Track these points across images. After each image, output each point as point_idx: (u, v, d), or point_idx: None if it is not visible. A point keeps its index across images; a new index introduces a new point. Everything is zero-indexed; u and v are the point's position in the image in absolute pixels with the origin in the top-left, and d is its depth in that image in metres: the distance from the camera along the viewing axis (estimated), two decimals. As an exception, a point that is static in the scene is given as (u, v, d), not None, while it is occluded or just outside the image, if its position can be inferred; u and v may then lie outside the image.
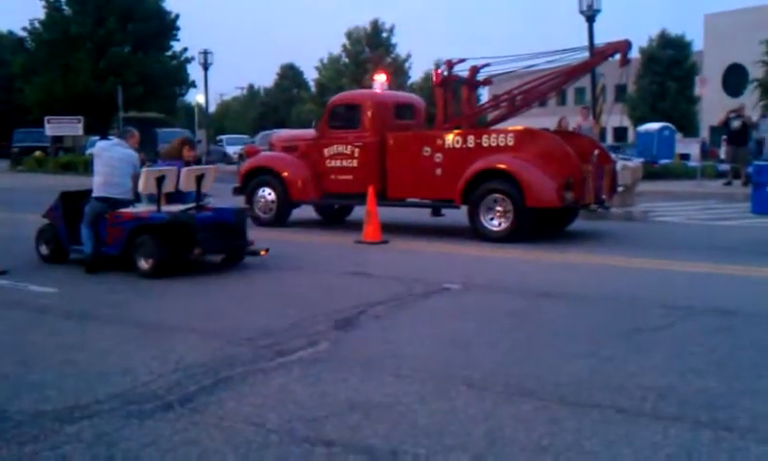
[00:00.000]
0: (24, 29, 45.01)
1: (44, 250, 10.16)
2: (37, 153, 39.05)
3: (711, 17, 57.84)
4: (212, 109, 65.25)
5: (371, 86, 15.11)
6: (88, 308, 7.43)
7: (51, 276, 9.24)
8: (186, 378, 5.10)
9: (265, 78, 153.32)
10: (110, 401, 4.67)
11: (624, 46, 12.67)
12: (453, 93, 14.21)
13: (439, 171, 12.56)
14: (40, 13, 44.36)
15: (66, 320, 7.01)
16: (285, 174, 14.03)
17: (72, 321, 6.97)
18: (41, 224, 10.30)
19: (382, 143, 13.17)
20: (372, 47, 63.07)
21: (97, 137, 36.10)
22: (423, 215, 13.92)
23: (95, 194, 9.43)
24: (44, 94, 42.78)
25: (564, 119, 19.19)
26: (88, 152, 34.88)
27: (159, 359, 5.53)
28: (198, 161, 11.18)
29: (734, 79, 54.74)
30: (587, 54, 13.89)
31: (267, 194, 14.24)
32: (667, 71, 53.49)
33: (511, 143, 12.02)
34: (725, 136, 22.03)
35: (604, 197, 12.52)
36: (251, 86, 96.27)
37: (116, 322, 6.84)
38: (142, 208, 9.43)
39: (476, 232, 12.09)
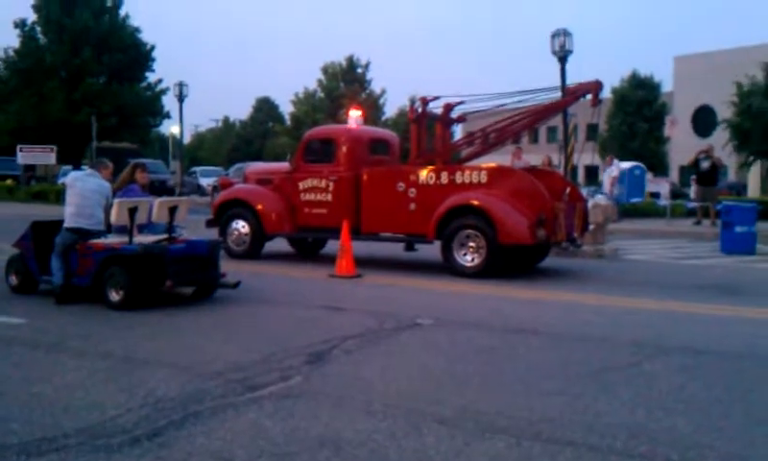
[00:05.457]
0: (-2, 57, 44.78)
1: (14, 280, 10.04)
2: (9, 181, 38.69)
3: (681, 60, 59.04)
4: (187, 140, 65.19)
5: (345, 121, 15.19)
6: (57, 340, 7.34)
7: (20, 306, 9.12)
8: (155, 412, 5.04)
9: (240, 110, 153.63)
10: (77, 435, 4.61)
11: (595, 87, 12.86)
12: (427, 130, 14.34)
13: (413, 206, 12.63)
14: (15, 42, 44.23)
15: (34, 351, 6.92)
16: (259, 207, 14.02)
17: (40, 352, 6.88)
18: (11, 253, 10.20)
19: (357, 178, 13.24)
20: (347, 82, 63.44)
21: (70, 167, 36.06)
22: (397, 250, 13.95)
23: (67, 225, 9.35)
24: (16, 123, 42.45)
25: (548, 157, 19.46)
26: (61, 181, 34.67)
27: (128, 393, 5.47)
28: (169, 190, 11.10)
29: (703, 120, 55.77)
30: (559, 94, 14.07)
31: (241, 226, 14.21)
32: (638, 111, 54.24)
33: (484, 180, 12.13)
34: (694, 176, 22.37)
35: (575, 234, 12.65)
36: (226, 119, 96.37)
37: (85, 354, 6.76)
38: (114, 239, 9.36)
39: (449, 268, 12.13)
